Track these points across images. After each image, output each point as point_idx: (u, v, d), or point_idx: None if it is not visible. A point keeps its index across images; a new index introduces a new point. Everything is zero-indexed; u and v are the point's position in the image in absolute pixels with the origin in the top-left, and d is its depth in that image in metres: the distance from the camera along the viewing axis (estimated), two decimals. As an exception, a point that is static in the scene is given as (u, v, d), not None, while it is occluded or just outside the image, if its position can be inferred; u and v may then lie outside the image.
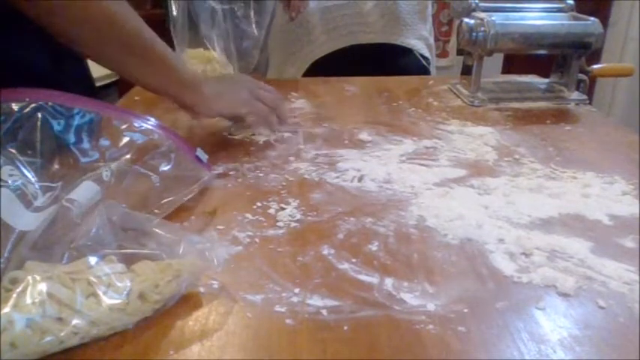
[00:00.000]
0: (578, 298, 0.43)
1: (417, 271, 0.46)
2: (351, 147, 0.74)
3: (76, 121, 0.48)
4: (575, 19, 0.95)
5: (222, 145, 0.75)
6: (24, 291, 0.35)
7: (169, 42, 0.86)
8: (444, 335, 0.38)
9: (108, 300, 0.37)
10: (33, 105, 0.46)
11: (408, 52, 1.20)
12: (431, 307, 0.41)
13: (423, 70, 1.22)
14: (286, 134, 0.78)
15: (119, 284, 0.38)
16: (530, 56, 1.06)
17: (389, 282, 0.44)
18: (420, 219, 0.55)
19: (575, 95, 0.96)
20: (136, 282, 0.39)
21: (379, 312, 0.41)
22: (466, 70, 0.99)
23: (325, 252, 0.49)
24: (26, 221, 0.40)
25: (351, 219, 0.54)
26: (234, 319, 0.40)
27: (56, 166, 0.46)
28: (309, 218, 0.55)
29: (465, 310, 0.41)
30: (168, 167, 0.53)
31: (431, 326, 0.39)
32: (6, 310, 0.34)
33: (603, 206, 0.58)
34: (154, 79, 0.66)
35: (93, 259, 0.39)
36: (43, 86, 0.47)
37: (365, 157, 0.71)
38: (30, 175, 0.43)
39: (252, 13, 0.92)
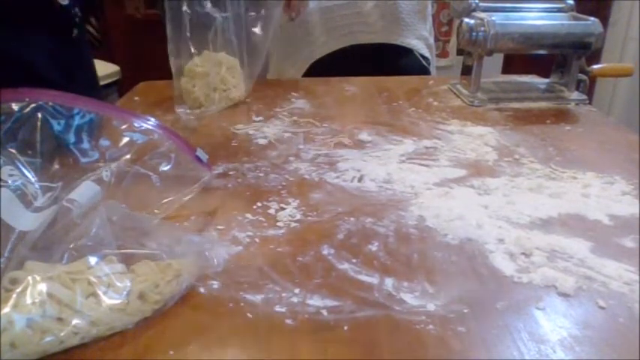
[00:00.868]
0: (578, 298, 0.43)
1: (417, 271, 0.46)
2: (351, 147, 0.74)
3: (76, 121, 0.48)
4: (575, 19, 0.95)
5: (222, 145, 0.75)
6: (24, 291, 0.35)
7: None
8: (444, 335, 0.38)
9: (108, 300, 0.37)
10: (33, 105, 0.45)
11: (408, 52, 1.19)
12: (431, 307, 0.41)
13: (423, 70, 1.22)
14: (286, 134, 0.78)
15: (119, 284, 0.38)
16: (530, 56, 1.06)
17: (389, 282, 0.44)
18: (420, 219, 0.55)
19: (575, 95, 0.96)
20: (135, 282, 0.39)
21: (379, 312, 0.41)
22: (466, 70, 0.99)
23: (325, 252, 0.49)
24: (26, 221, 0.40)
25: (351, 219, 0.54)
26: (234, 319, 0.40)
27: (56, 166, 0.46)
28: (309, 218, 0.55)
29: (465, 310, 0.41)
30: (168, 167, 0.53)
31: (431, 326, 0.39)
32: (6, 310, 0.34)
33: (603, 206, 0.58)
34: None
35: (93, 259, 0.39)
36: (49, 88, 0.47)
37: (365, 157, 0.71)
38: (30, 175, 0.43)
39: (260, 18, 0.92)
